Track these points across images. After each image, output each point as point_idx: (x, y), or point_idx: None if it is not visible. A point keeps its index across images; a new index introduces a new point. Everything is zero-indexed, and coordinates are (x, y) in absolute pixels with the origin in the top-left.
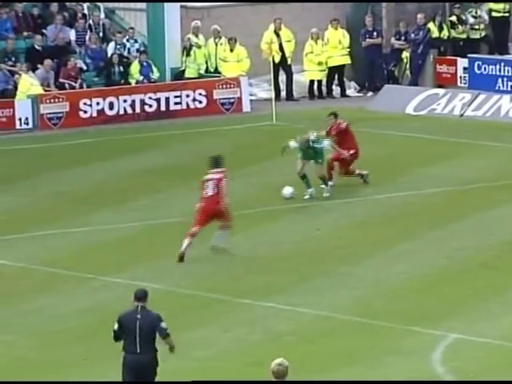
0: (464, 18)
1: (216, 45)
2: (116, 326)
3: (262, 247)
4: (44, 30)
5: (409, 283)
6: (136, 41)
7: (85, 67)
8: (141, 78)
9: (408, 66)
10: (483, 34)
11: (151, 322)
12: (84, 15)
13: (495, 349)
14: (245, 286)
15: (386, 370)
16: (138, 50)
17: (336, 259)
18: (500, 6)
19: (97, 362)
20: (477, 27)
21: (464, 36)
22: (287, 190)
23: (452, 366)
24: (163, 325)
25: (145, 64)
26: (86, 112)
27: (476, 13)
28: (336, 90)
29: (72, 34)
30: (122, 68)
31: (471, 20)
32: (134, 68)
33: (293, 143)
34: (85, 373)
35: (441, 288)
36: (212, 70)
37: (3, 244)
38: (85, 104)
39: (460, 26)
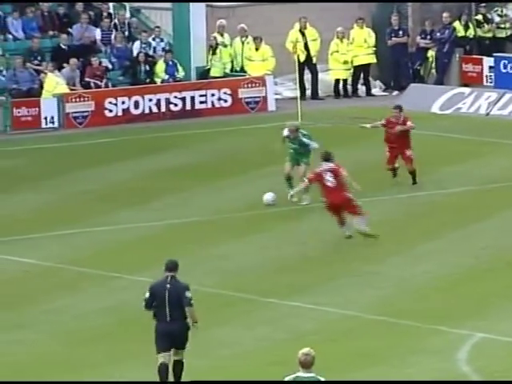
0: (490, 16)
1: (242, 44)
2: (147, 295)
3: (286, 246)
4: (70, 29)
5: (434, 282)
6: (162, 40)
7: (110, 66)
8: (166, 77)
9: (434, 64)
10: (509, 32)
11: (179, 291)
12: (109, 14)
13: None
14: (269, 284)
15: (411, 370)
16: (163, 49)
17: (361, 258)
18: None
19: (120, 360)
20: (503, 26)
21: (490, 35)
22: (268, 196)
23: (477, 365)
24: (188, 294)
25: (170, 63)
26: (111, 111)
27: (502, 11)
28: (361, 89)
29: (97, 33)
30: (147, 67)
31: (497, 19)
32: (160, 67)
33: (285, 131)
34: (108, 371)
35: (466, 287)
36: (238, 69)
37: (29, 243)
38: (110, 103)
39: (486, 25)
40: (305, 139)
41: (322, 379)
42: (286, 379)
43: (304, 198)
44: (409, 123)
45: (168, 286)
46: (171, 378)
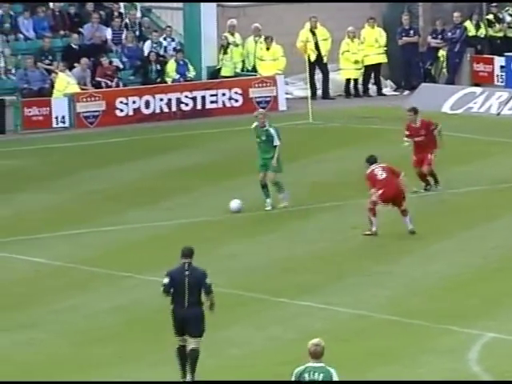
0: (501, 16)
1: (256, 43)
2: (166, 281)
3: (297, 246)
4: (80, 29)
5: (444, 282)
6: (172, 39)
7: (121, 66)
8: (177, 76)
9: (444, 64)
10: None
11: (198, 278)
12: (120, 14)
13: None
14: (280, 284)
15: (422, 369)
16: (174, 49)
17: (371, 258)
18: None
19: (129, 360)
20: None
21: (501, 34)
22: (234, 203)
23: (487, 365)
24: (208, 281)
25: (181, 62)
26: (122, 111)
27: None
28: (372, 88)
29: (108, 33)
30: (158, 67)
31: (508, 18)
32: (171, 67)
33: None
34: (117, 371)
35: (476, 287)
36: (250, 69)
37: (39, 242)
38: (121, 103)
39: (497, 25)
40: (272, 130)
41: (332, 370)
42: (297, 370)
43: (282, 197)
44: (432, 128)
45: (187, 272)
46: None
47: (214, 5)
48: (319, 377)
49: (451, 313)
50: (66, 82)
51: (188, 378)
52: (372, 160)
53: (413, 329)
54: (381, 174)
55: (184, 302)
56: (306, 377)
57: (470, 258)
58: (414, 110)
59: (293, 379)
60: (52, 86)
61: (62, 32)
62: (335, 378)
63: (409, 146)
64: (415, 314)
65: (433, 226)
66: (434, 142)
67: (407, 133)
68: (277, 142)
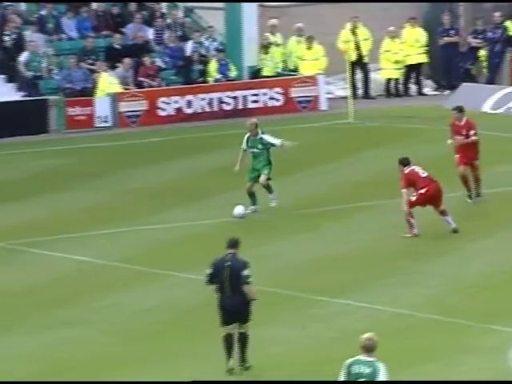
0: None
1: (298, 43)
2: (209, 271)
3: (335, 245)
4: (123, 29)
5: (484, 281)
6: (214, 39)
7: (163, 66)
8: (219, 76)
9: (485, 64)
10: None
11: (238, 268)
12: (162, 14)
13: None
14: (320, 283)
15: (462, 368)
16: (216, 49)
17: (410, 257)
18: None
19: (174, 357)
20: None
21: None
22: (238, 209)
23: None
24: (245, 272)
25: (223, 62)
26: (164, 110)
27: None
28: (413, 88)
29: (150, 33)
30: (200, 66)
31: None
32: (212, 66)
33: (243, 143)
34: (160, 368)
35: None
36: (292, 68)
37: (84, 240)
38: (163, 102)
39: None
40: (265, 136)
41: (381, 365)
42: (347, 361)
43: (272, 197)
44: (471, 133)
45: (228, 263)
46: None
47: (255, 5)
48: (366, 370)
49: (491, 312)
50: (108, 82)
51: (231, 364)
52: (406, 162)
53: (453, 327)
54: (422, 173)
55: (227, 291)
56: (354, 369)
57: (509, 257)
58: (459, 109)
59: (342, 370)
60: (95, 86)
61: (104, 32)
62: (381, 374)
63: (451, 144)
64: (455, 313)
65: (471, 226)
66: (477, 147)
67: (451, 130)
68: (277, 142)
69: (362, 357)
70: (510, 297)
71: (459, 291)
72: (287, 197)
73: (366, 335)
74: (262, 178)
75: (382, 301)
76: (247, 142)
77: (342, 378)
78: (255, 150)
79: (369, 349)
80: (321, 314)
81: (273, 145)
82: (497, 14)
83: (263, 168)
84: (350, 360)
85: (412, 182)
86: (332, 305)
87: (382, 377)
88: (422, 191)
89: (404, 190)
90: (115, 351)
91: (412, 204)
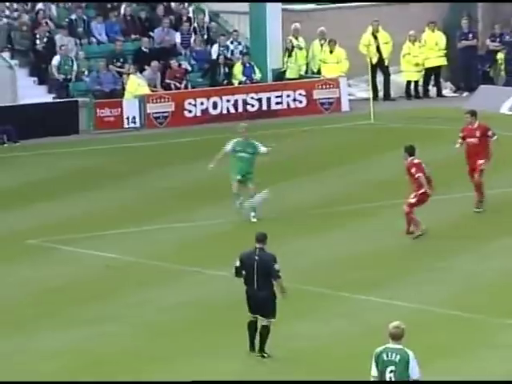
0: None
1: (321, 46)
2: (237, 263)
3: (360, 243)
4: (151, 33)
5: (505, 278)
6: (239, 43)
7: (190, 68)
8: (243, 78)
9: (503, 66)
10: None
11: (266, 262)
12: (189, 18)
13: None
14: (344, 279)
15: (482, 364)
16: (240, 52)
17: (432, 254)
18: None
19: (201, 353)
20: None
21: None
22: (257, 197)
23: None
24: (276, 267)
25: (247, 65)
26: (190, 111)
27: None
28: (432, 90)
29: (177, 37)
30: (226, 69)
31: None
32: (237, 69)
33: (227, 146)
34: (190, 364)
35: None
36: (315, 71)
37: (113, 238)
38: (189, 104)
39: None
40: (254, 141)
41: (410, 352)
42: (376, 350)
43: (253, 215)
44: (490, 133)
45: (256, 257)
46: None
47: (279, 9)
48: (396, 357)
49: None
50: (136, 84)
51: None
52: (412, 151)
53: (473, 323)
54: (425, 168)
55: (254, 284)
56: (384, 357)
57: None
58: (472, 113)
59: (373, 359)
60: (123, 88)
61: (133, 36)
62: (412, 360)
63: (460, 147)
64: (476, 309)
65: (492, 224)
66: (487, 151)
67: (461, 134)
68: (264, 149)
69: (391, 345)
70: None
71: (481, 288)
72: (312, 196)
73: (394, 323)
74: (252, 189)
75: (404, 297)
76: (235, 145)
77: (373, 368)
78: (244, 155)
79: (396, 336)
80: (345, 310)
81: (262, 152)
82: None
83: (250, 174)
84: (380, 349)
85: (421, 170)
86: (356, 301)
87: (412, 362)
88: (423, 191)
89: (421, 175)
90: (144, 347)
91: (413, 205)
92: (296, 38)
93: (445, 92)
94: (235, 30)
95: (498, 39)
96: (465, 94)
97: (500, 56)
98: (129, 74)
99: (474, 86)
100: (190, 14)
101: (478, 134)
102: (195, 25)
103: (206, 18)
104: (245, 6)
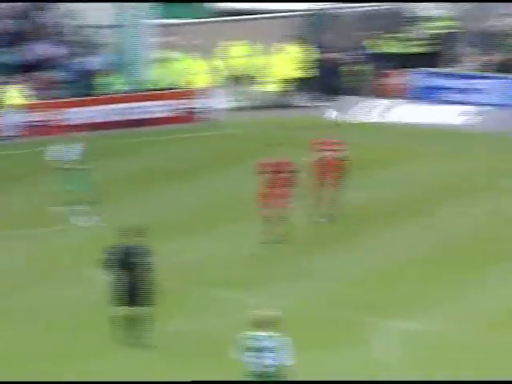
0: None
1: (192, 59)
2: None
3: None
4: (23, 45)
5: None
6: (114, 55)
7: (66, 79)
8: (117, 88)
9: (355, 78)
10: None
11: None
12: (65, 31)
13: None
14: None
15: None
16: (115, 63)
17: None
18: None
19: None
20: None
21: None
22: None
23: None
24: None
25: (122, 76)
26: (68, 120)
27: None
28: (294, 100)
29: (54, 49)
30: (100, 80)
31: None
32: (111, 80)
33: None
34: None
35: None
36: (186, 82)
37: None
38: (66, 113)
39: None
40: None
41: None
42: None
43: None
44: (342, 148)
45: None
46: None
47: (154, 22)
48: (269, 344)
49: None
50: (13, 95)
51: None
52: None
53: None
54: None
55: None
56: (252, 342)
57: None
58: (333, 124)
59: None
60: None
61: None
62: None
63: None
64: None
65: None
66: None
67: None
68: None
69: (256, 332)
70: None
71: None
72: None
73: (260, 311)
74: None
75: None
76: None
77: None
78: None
79: (263, 324)
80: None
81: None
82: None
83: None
84: (248, 335)
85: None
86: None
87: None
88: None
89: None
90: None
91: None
92: (170, 51)
93: (304, 102)
94: (110, 43)
95: (356, 52)
96: (324, 103)
97: (358, 68)
98: (5, 86)
99: (334, 97)
100: (66, 28)
101: (334, 147)
102: (72, 37)
103: (84, 31)
104: (120, 19)
